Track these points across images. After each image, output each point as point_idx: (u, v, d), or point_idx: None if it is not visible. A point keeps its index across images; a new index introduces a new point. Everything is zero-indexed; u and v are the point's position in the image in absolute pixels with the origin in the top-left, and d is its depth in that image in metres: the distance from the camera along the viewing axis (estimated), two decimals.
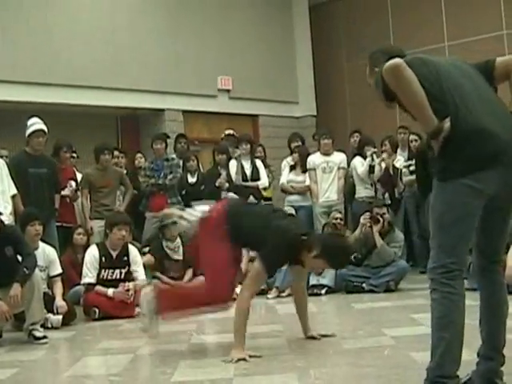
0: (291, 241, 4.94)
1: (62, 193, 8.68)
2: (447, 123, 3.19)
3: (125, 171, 10.30)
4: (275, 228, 4.95)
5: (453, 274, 3.22)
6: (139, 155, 10.77)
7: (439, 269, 3.24)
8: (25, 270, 5.94)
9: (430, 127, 3.22)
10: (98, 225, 8.74)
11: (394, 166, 10.05)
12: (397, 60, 3.21)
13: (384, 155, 9.96)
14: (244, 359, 4.64)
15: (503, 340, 3.50)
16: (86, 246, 8.11)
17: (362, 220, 8.69)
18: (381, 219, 8.40)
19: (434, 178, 3.33)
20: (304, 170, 10.26)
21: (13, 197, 7.70)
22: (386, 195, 10.03)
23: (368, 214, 8.62)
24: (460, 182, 3.18)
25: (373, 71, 3.62)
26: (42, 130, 8.13)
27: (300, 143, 10.81)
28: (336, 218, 9.38)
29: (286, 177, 10.33)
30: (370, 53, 3.74)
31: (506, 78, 3.48)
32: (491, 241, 3.49)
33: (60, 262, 7.36)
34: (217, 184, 9.78)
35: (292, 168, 10.37)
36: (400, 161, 10.13)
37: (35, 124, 8.14)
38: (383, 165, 9.91)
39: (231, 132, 11.09)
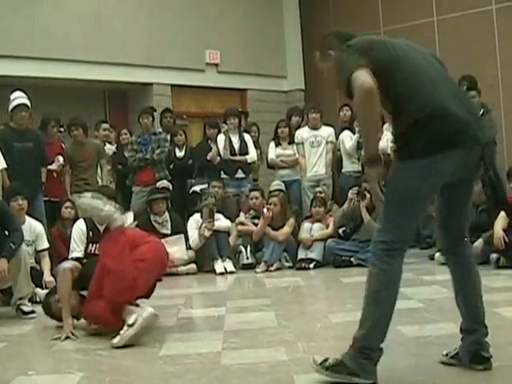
0: None
1: (49, 167, 8.65)
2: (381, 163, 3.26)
3: (115, 145, 10.36)
4: None
5: (393, 252, 3.30)
6: (124, 131, 10.73)
7: (381, 244, 3.32)
8: (11, 245, 5.92)
9: (371, 152, 3.27)
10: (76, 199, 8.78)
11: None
12: (371, 83, 3.17)
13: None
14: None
15: (482, 311, 3.54)
16: (75, 220, 8.08)
17: (349, 194, 8.73)
18: (368, 194, 8.37)
19: (394, 154, 3.35)
20: (290, 142, 10.25)
21: (2, 171, 7.68)
22: None
23: (356, 188, 8.64)
24: (420, 163, 3.21)
25: (325, 55, 3.60)
26: (25, 105, 8.07)
27: (300, 118, 10.77)
28: (321, 192, 9.40)
29: (274, 152, 10.29)
30: (321, 37, 3.74)
31: None
32: (455, 220, 3.55)
33: (49, 235, 7.34)
34: (208, 157, 9.76)
35: (277, 143, 10.31)
36: (387, 135, 10.10)
37: (17, 98, 8.07)
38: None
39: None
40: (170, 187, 9.41)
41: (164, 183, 9.37)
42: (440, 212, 3.56)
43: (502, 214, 7.52)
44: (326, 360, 3.38)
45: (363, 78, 3.18)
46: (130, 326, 4.60)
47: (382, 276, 3.30)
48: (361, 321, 3.33)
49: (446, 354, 3.62)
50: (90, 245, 7.39)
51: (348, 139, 10.14)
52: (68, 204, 8.48)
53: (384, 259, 3.29)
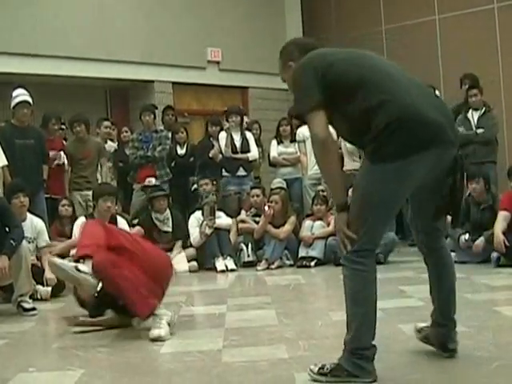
0: None
1: (51, 154, 8.64)
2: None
3: (116, 143, 10.40)
4: None
5: (363, 253, 3.30)
6: (125, 129, 10.73)
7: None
8: (12, 242, 5.92)
9: (338, 201, 3.41)
10: (76, 196, 8.92)
11: None
12: (323, 135, 3.27)
13: None
14: None
15: (453, 307, 3.62)
16: (73, 218, 8.10)
17: (350, 193, 8.68)
18: None
19: (365, 157, 3.36)
20: (292, 140, 10.24)
21: (3, 168, 7.68)
22: None
23: None
24: (391, 166, 3.20)
25: (286, 66, 3.66)
26: (27, 102, 8.07)
27: None
28: (322, 191, 9.39)
29: (276, 150, 10.29)
30: (282, 47, 3.79)
31: None
32: (425, 219, 3.59)
33: (50, 233, 7.35)
34: (210, 155, 9.77)
35: (279, 141, 10.30)
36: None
37: (20, 96, 8.08)
38: None
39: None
40: (152, 181, 9.40)
41: (152, 181, 9.38)
42: (414, 215, 3.62)
43: (502, 214, 7.52)
44: (322, 367, 3.38)
45: (317, 124, 3.29)
46: None
47: (356, 276, 3.30)
48: (347, 324, 3.35)
49: (419, 331, 3.77)
50: None
51: None
52: (65, 202, 8.47)
53: (355, 260, 3.29)
